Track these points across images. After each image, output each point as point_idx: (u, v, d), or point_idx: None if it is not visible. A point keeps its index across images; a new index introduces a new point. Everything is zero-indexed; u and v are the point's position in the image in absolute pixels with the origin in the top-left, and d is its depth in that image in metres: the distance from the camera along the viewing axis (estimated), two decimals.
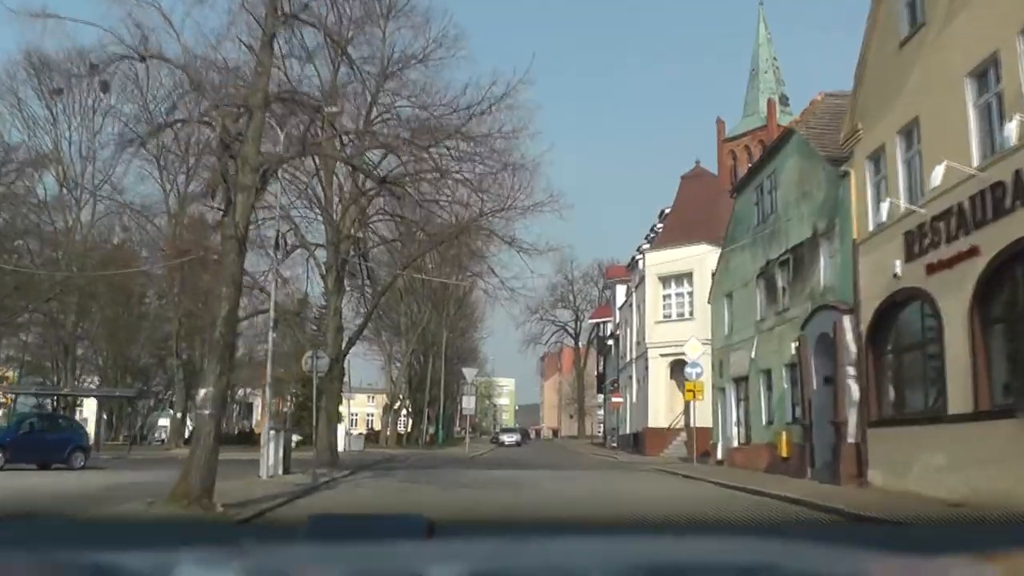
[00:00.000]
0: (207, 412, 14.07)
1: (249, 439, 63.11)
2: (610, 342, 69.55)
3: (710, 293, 35.28)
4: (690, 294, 43.88)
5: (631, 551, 1.41)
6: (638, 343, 53.03)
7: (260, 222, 34.92)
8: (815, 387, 23.29)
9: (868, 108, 20.65)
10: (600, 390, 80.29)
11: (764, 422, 27.84)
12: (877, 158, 20.38)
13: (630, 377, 55.98)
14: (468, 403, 48.86)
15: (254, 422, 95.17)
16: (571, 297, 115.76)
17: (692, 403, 33.36)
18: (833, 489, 20.30)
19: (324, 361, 23.22)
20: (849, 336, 21.12)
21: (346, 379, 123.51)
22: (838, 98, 26.41)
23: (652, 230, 53.00)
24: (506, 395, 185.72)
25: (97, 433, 39.40)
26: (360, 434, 59.97)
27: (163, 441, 75.35)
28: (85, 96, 45.56)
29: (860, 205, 21.05)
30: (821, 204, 23.52)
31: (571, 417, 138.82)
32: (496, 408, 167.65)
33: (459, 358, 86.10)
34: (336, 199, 28.34)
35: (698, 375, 33.52)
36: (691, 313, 43.60)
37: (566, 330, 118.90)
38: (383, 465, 31.79)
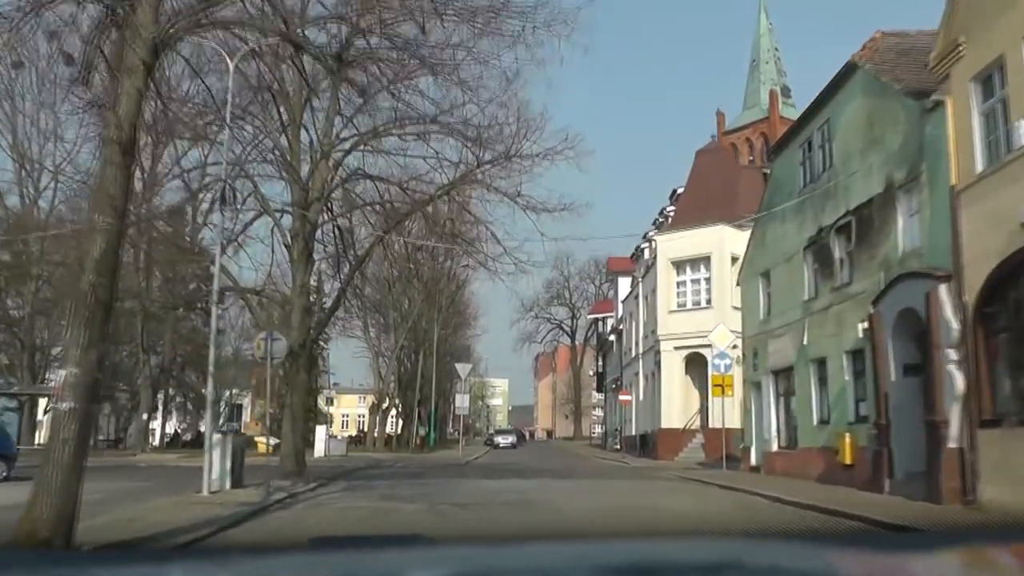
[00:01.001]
0: (66, 406, 9.13)
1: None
2: (611, 337, 64.69)
3: (739, 274, 30.41)
4: (707, 280, 39.06)
5: (611, 553, 1.40)
6: (646, 336, 48.17)
7: (208, 180, 30.06)
8: (892, 378, 18.42)
9: (973, 17, 15.81)
10: (600, 389, 75.44)
11: (815, 421, 22.97)
12: (988, 76, 15.55)
13: (636, 374, 51.12)
14: (462, 402, 43.94)
15: (242, 425, 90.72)
16: (567, 294, 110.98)
17: (720, 400, 28.78)
18: (932, 509, 15.47)
19: (281, 345, 18.27)
20: (948, 311, 16.23)
21: (335, 378, 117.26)
22: (899, 37, 21.64)
23: (661, 213, 48.20)
24: (499, 396, 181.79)
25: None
26: (344, 437, 55.10)
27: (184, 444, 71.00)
28: None
29: (961, 141, 16.16)
30: (899, 149, 18.66)
31: (567, 418, 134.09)
32: (489, 409, 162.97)
33: (452, 356, 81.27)
34: (306, 159, 23.50)
35: (727, 368, 28.72)
36: (708, 301, 38.78)
37: (562, 328, 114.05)
38: (363, 473, 26.87)
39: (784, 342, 24.97)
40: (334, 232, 24.53)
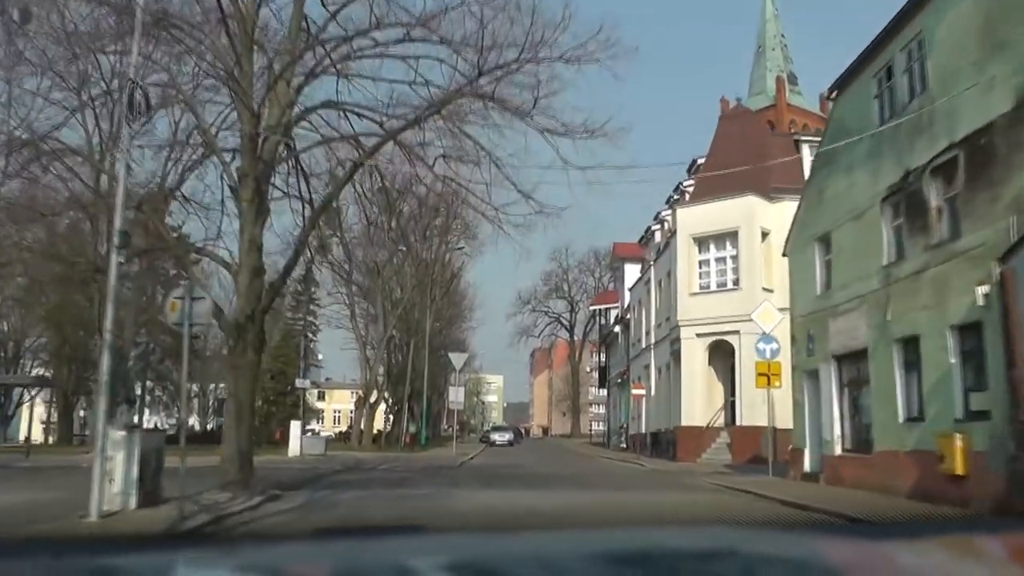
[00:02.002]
0: None
1: (213, 439, 52.97)
2: (616, 329, 59.64)
3: (787, 243, 25.33)
4: (734, 258, 34.01)
5: (608, 542, 1.38)
6: (659, 325, 43.12)
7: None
8: None
9: None
10: (602, 384, 70.38)
11: (901, 418, 17.87)
12: None
13: (646, 367, 46.06)
14: (456, 396, 38.85)
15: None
16: (566, 287, 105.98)
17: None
18: None
19: (204, 306, 13.13)
20: None
21: (327, 373, 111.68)
22: None
23: (677, 189, 43.14)
24: (494, 392, 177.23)
25: None
26: (324, 435, 50.05)
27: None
28: None
29: None
30: None
31: (564, 415, 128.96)
32: (484, 406, 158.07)
33: (446, 349, 76.24)
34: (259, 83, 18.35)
35: (774, 353, 23.69)
36: (736, 282, 33.74)
37: (560, 322, 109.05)
38: (335, 480, 21.72)
39: (852, 320, 19.89)
40: (296, 172, 19.30)
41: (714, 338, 33.97)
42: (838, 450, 20.88)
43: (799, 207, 24.35)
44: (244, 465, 16.68)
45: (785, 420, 33.02)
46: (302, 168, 19.35)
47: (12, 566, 1.43)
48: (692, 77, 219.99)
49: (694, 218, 34.77)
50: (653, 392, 43.65)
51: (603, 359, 69.13)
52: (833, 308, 21.08)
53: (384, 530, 2.33)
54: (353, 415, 59.41)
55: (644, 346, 46.91)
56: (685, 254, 34.99)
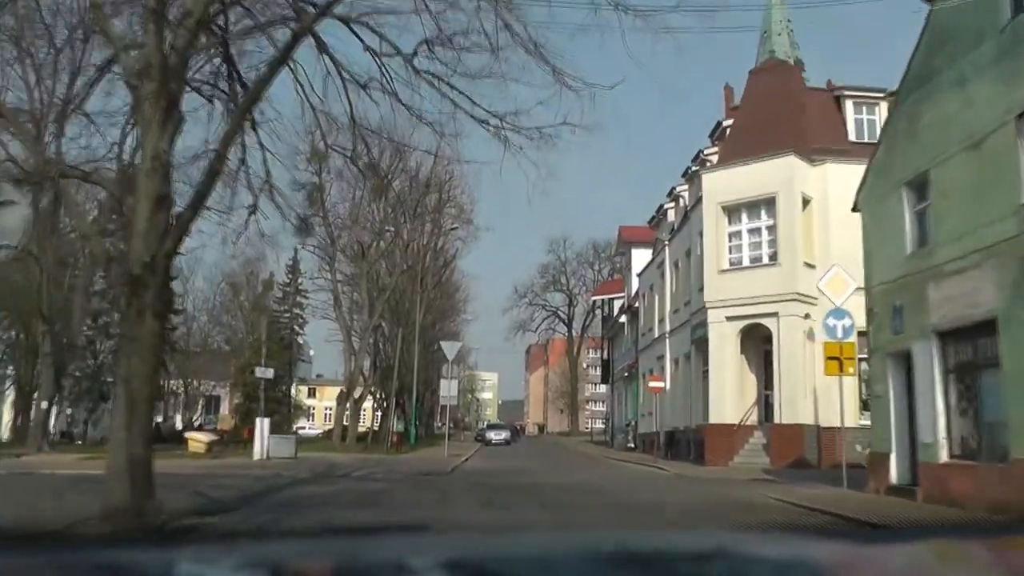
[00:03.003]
0: None
1: (176, 439, 47.80)
2: (623, 319, 54.54)
3: (858, 195, 20.20)
4: (771, 229, 28.87)
5: (603, 544, 1.42)
6: (675, 311, 38.06)
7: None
8: None
9: None
10: (605, 380, 65.30)
11: None
12: None
13: (660, 358, 40.96)
14: (448, 390, 33.56)
15: (219, 420, 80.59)
16: (564, 279, 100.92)
17: (838, 382, 18.69)
18: None
19: (14, 215, 9.14)
20: None
21: (317, 369, 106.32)
22: None
23: (696, 159, 38.01)
24: (489, 389, 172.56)
25: None
26: (314, 432, 44.98)
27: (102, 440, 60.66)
28: None
29: None
30: None
31: (561, 412, 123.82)
32: (479, 403, 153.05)
33: (438, 342, 71.33)
34: None
35: (847, 331, 18.60)
36: (773, 256, 28.61)
37: (558, 315, 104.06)
38: (282, 499, 16.37)
39: (970, 282, 14.75)
40: (227, 71, 14.00)
41: (747, 322, 28.86)
42: (943, 456, 15.70)
43: (876, 151, 19.23)
44: (138, 482, 11.42)
45: (828, 417, 28.03)
46: (234, 64, 14.07)
47: (13, 563, 1.40)
48: (694, 64, 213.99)
49: (723, 184, 29.63)
50: (668, 386, 38.58)
51: (606, 353, 63.97)
52: (935, 269, 15.92)
53: (384, 529, 2.34)
54: (335, 412, 54.07)
55: (657, 335, 41.81)
56: (712, 226, 29.84)
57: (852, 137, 30.24)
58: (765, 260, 28.79)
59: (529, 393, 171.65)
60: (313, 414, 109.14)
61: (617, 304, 62.34)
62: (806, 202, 28.66)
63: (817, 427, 27.79)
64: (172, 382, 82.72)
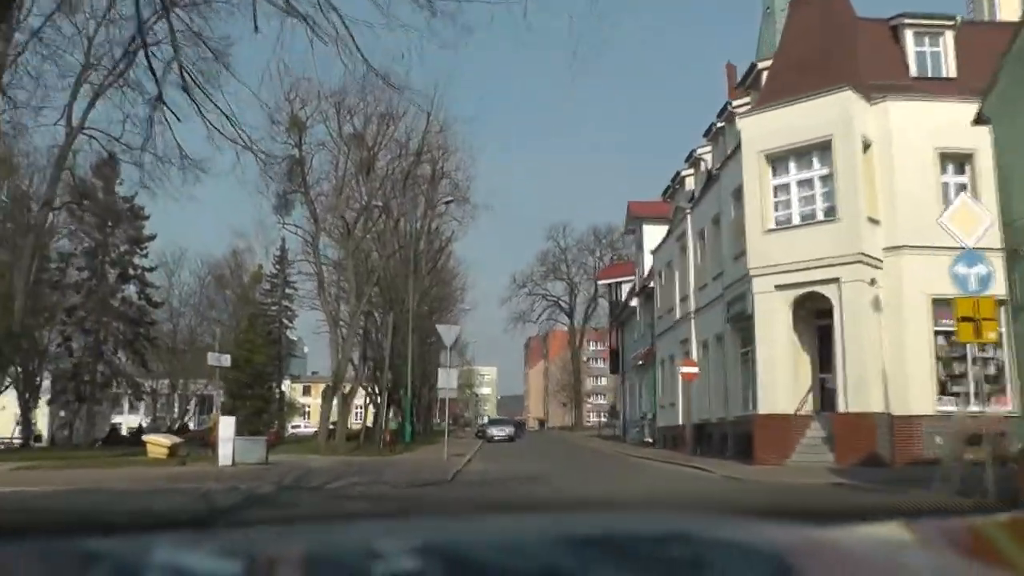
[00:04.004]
0: None
1: (132, 442, 42.97)
2: (634, 303, 49.58)
3: (984, 105, 15.23)
4: (825, 179, 23.90)
5: (572, 525, 1.47)
6: (702, 287, 33.27)
7: None
8: None
9: None
10: (614, 370, 60.30)
11: None
12: None
13: (683, 341, 36.09)
14: (447, 380, 28.46)
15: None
16: (564, 267, 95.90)
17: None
18: None
19: None
20: None
21: (313, 366, 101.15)
22: None
23: (722, 113, 33.04)
24: (488, 384, 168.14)
25: None
26: (309, 431, 40.10)
27: (99, 441, 55.79)
28: None
29: None
30: None
31: (564, 405, 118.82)
32: (478, 398, 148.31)
33: (436, 336, 66.38)
34: None
35: (983, 281, 13.64)
36: (830, 211, 23.63)
37: (559, 305, 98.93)
38: (181, 520, 11.59)
39: None
40: None
41: (801, 290, 23.90)
42: None
43: (1012, 45, 14.26)
44: None
45: (902, 403, 23.17)
46: None
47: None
48: (693, 41, 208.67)
49: (766, 129, 24.63)
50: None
51: (614, 341, 58.99)
52: None
53: (356, 515, 2.27)
54: (319, 408, 49.09)
55: (678, 317, 36.89)
56: (755, 179, 24.84)
57: (913, 72, 25.34)
58: (820, 216, 23.82)
59: (529, 387, 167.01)
60: (308, 412, 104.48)
61: (626, 288, 57.45)
62: (866, 146, 23.75)
63: (889, 416, 22.90)
64: (161, 381, 77.92)
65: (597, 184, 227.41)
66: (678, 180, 39.43)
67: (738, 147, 28.22)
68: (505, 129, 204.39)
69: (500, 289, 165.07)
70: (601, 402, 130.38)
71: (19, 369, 57.70)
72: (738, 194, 27.81)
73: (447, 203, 42.09)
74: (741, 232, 27.20)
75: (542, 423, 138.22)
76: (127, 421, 79.79)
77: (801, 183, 24.34)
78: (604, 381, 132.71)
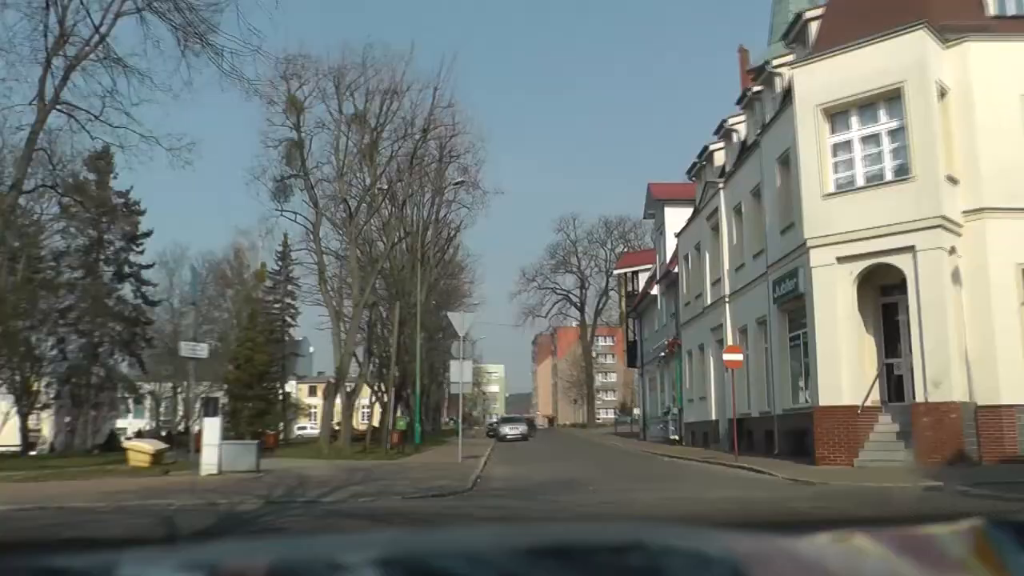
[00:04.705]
0: None
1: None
2: (655, 291, 46.30)
3: None
4: (896, 133, 20.51)
5: (527, 537, 1.45)
6: (738, 268, 30.09)
7: None
8: None
9: None
10: (631, 363, 56.99)
11: None
12: None
13: (716, 327, 32.88)
14: (460, 373, 25.14)
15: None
16: (575, 259, 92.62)
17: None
18: None
19: None
20: None
21: (320, 367, 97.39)
22: None
23: (761, 74, 29.77)
24: (496, 382, 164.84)
25: None
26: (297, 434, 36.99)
27: (96, 448, 52.61)
28: None
29: None
30: None
31: (575, 402, 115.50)
32: (486, 396, 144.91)
33: (444, 333, 63.03)
34: None
35: None
36: (903, 169, 20.27)
37: (569, 299, 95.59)
38: None
39: None
40: None
41: (868, 262, 20.56)
42: None
43: None
44: None
45: (990, 391, 19.91)
46: None
47: None
48: (703, 27, 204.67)
49: (823, 79, 21.26)
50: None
51: (633, 333, 55.69)
52: None
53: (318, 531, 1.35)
54: (321, 409, 45.89)
55: (709, 303, 33.62)
56: (811, 137, 21.46)
57: (991, 11, 22.02)
58: (888, 176, 20.47)
59: (537, 385, 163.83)
60: (315, 413, 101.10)
61: (643, 278, 54.21)
62: (942, 94, 20.46)
63: (973, 406, 19.64)
64: (165, 384, 74.70)
65: (606, 175, 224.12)
66: (706, 155, 36.13)
67: (782, 110, 25.03)
68: (512, 118, 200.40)
69: (508, 285, 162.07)
70: (611, 398, 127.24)
71: (15, 374, 54.85)
72: (785, 160, 24.58)
73: (457, 184, 38.75)
74: (789, 202, 23.97)
75: (551, 421, 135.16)
76: (132, 425, 76.59)
77: (866, 139, 20.99)
78: (614, 377, 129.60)
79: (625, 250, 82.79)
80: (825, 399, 20.86)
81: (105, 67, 27.13)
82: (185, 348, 16.67)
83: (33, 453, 54.25)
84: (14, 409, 54.55)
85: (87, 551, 1.46)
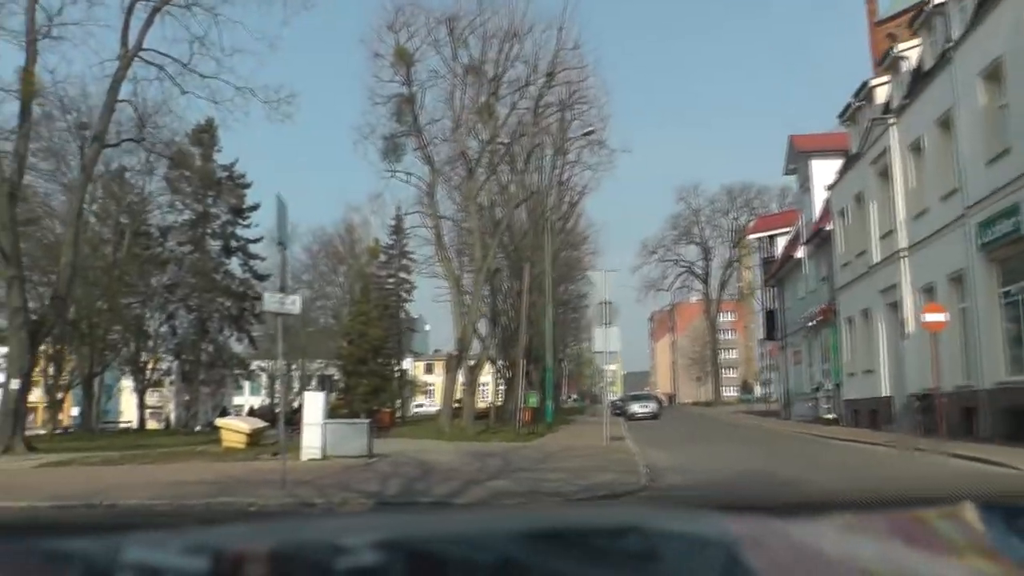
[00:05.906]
0: None
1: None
2: (800, 253, 41.53)
3: None
4: None
5: (525, 521, 1.45)
6: (919, 215, 25.43)
7: None
8: None
9: None
10: (769, 335, 52.22)
11: None
12: None
13: (886, 290, 28.29)
14: (605, 340, 21.30)
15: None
16: (697, 230, 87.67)
17: None
18: None
19: None
20: None
21: (435, 344, 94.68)
22: None
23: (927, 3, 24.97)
24: (613, 360, 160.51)
25: None
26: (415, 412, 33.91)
27: (210, 425, 51.13)
28: None
29: None
30: None
31: (698, 379, 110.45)
32: (603, 375, 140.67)
33: (566, 306, 59.33)
34: None
35: None
36: None
37: (692, 271, 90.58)
38: None
39: None
40: None
41: None
42: None
43: None
44: None
45: None
46: None
47: None
48: None
49: None
50: (910, 331, 25.99)
51: (772, 302, 50.92)
52: None
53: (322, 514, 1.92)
54: (442, 384, 42.66)
55: (876, 261, 28.99)
56: None
57: None
58: None
59: (656, 362, 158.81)
60: (432, 391, 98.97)
61: (781, 243, 49.40)
62: None
63: None
64: (274, 362, 73.35)
65: (721, 139, 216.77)
66: (864, 93, 31.28)
67: (989, 7, 20.34)
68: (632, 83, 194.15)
69: (624, 258, 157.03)
70: (732, 375, 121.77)
71: (134, 351, 53.91)
72: (994, 73, 19.91)
73: (587, 134, 34.77)
74: (998, 124, 19.36)
75: (671, 399, 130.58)
76: (248, 402, 75.63)
77: None
78: (735, 354, 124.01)
79: (750, 219, 77.66)
80: None
81: (193, 12, 24.33)
82: (270, 301, 13.05)
83: (146, 429, 53.21)
84: (131, 386, 53.72)
85: (91, 534, 1.44)
